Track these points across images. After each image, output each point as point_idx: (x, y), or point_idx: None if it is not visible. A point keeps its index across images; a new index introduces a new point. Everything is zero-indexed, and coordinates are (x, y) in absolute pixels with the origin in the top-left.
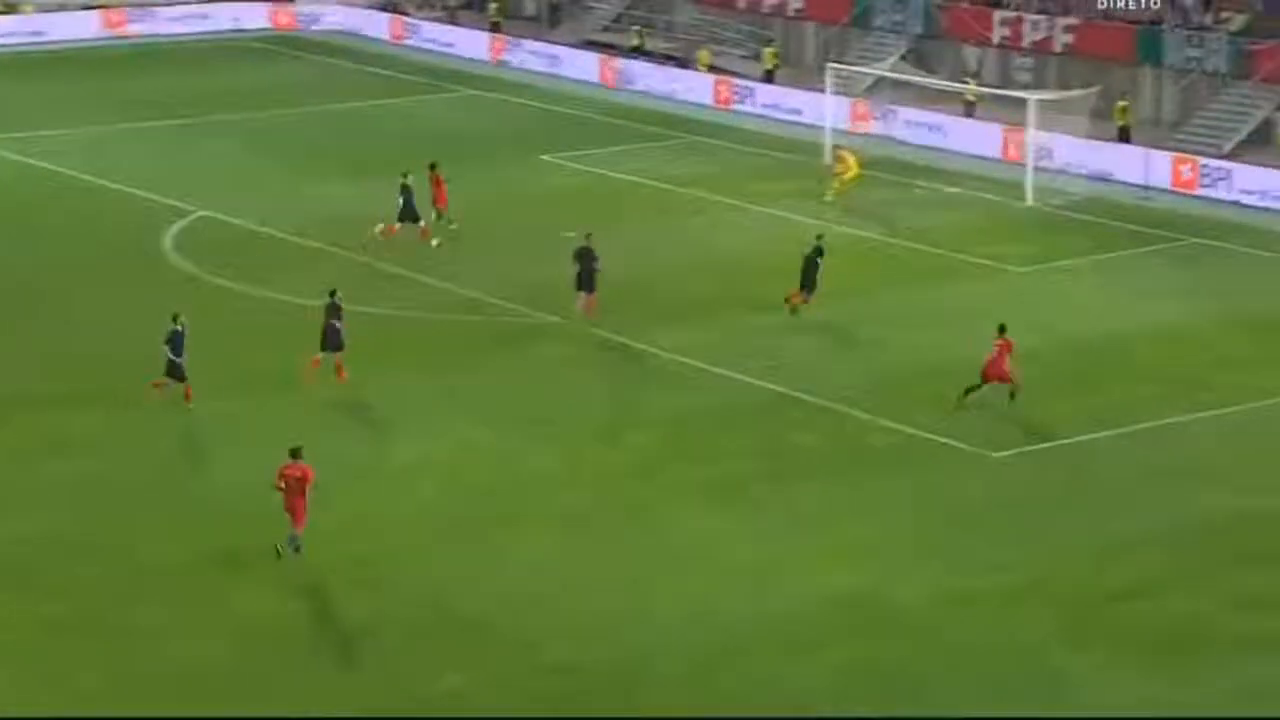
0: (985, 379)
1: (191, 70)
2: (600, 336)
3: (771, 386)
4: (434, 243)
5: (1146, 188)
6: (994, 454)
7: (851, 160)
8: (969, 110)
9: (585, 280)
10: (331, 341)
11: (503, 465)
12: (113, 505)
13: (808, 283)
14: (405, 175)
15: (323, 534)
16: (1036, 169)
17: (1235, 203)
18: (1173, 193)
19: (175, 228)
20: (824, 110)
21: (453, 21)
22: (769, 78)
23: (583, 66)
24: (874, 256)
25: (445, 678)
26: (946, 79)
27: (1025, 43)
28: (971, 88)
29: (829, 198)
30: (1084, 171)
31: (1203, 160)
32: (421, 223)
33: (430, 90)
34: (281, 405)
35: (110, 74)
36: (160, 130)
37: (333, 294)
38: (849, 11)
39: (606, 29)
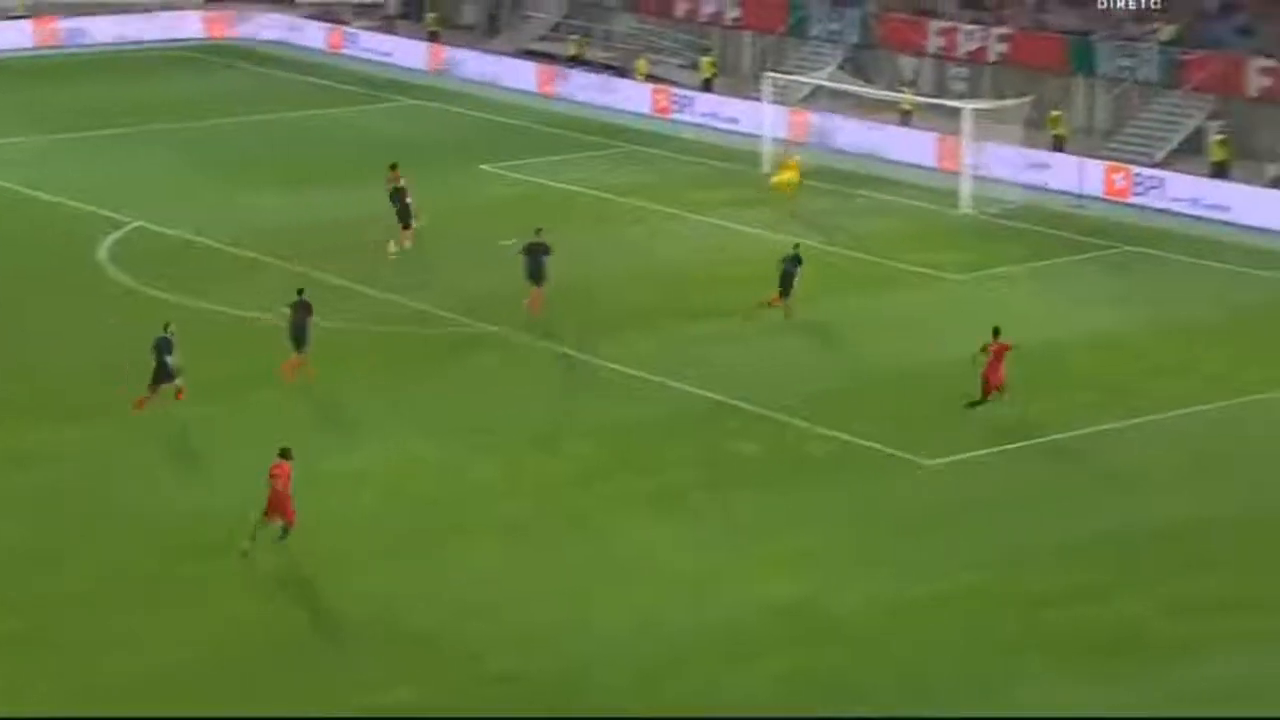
0: (988, 389)
1: (126, 80)
2: (540, 346)
3: (711, 395)
4: (391, 251)
5: (1080, 196)
6: (931, 461)
7: (794, 165)
8: (905, 119)
9: (534, 274)
10: (301, 339)
11: (444, 476)
12: (64, 517)
13: (785, 289)
14: (399, 179)
15: (265, 546)
16: (972, 177)
17: (1167, 211)
18: (1106, 201)
19: (111, 239)
20: (762, 119)
21: (390, 31)
22: (707, 87)
23: (521, 76)
24: (812, 265)
25: (391, 690)
26: (883, 88)
27: (960, 52)
28: (907, 97)
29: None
30: (1018, 180)
31: (1135, 169)
32: (410, 228)
33: (368, 100)
34: (223, 415)
35: (43, 84)
36: (94, 141)
37: (300, 292)
38: (786, 21)
39: (544, 38)
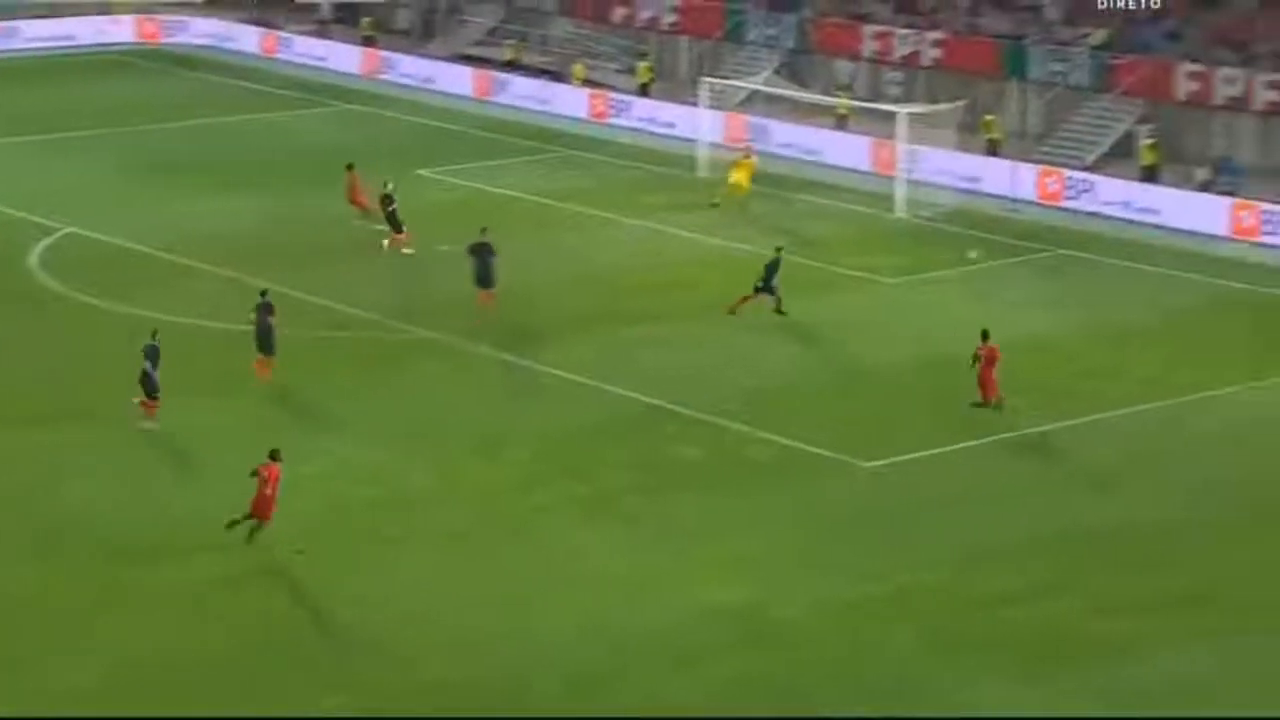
0: (985, 393)
1: (56, 85)
2: (479, 352)
3: (649, 400)
4: (406, 251)
5: (1014, 200)
6: (870, 464)
7: (748, 165)
8: (841, 124)
9: (482, 276)
10: (267, 342)
11: (382, 482)
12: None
13: (767, 288)
14: (386, 185)
15: (201, 553)
16: (908, 181)
17: (1098, 214)
18: (1039, 204)
19: (42, 245)
20: (699, 124)
21: (325, 35)
22: (644, 92)
23: (458, 81)
24: (749, 269)
25: (326, 698)
26: (819, 93)
27: (895, 57)
28: (843, 101)
29: (716, 199)
30: (953, 184)
31: (1067, 173)
32: (403, 233)
33: (303, 105)
34: (163, 422)
35: None
36: (25, 146)
37: (263, 294)
38: (722, 26)
39: (480, 43)
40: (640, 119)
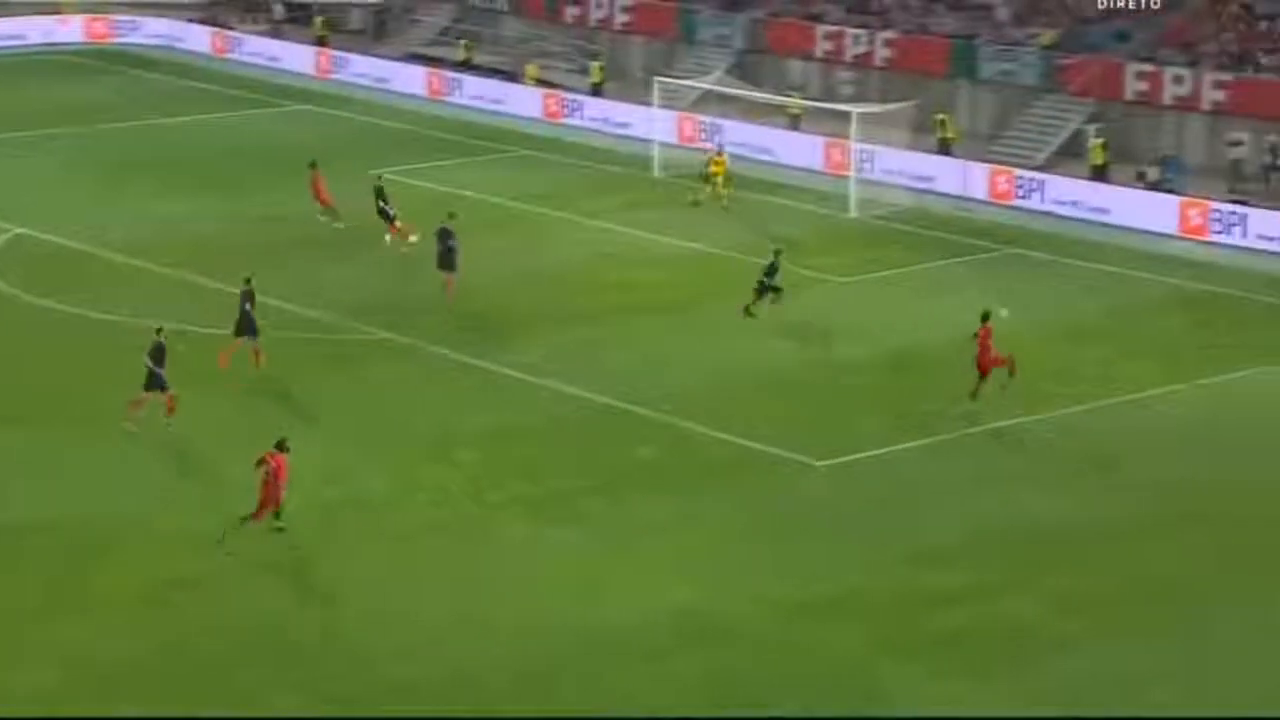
0: (983, 372)
1: (5, 85)
2: (432, 352)
3: (602, 399)
4: (412, 239)
5: (966, 199)
6: (822, 463)
7: (720, 163)
8: (794, 123)
9: (445, 260)
10: (248, 327)
11: (334, 484)
12: None
13: (771, 287)
14: (380, 178)
15: (152, 558)
16: (860, 181)
17: (1049, 213)
18: (990, 204)
19: None
20: (652, 123)
21: (277, 35)
22: (597, 91)
23: (411, 80)
24: (700, 268)
25: (281, 697)
26: (771, 93)
27: (847, 57)
28: (796, 101)
29: (725, 203)
30: (905, 183)
31: (1018, 171)
32: (396, 224)
33: (256, 105)
34: (103, 428)
35: None
36: None
37: (248, 280)
38: (675, 26)
39: (433, 42)
40: (594, 119)
